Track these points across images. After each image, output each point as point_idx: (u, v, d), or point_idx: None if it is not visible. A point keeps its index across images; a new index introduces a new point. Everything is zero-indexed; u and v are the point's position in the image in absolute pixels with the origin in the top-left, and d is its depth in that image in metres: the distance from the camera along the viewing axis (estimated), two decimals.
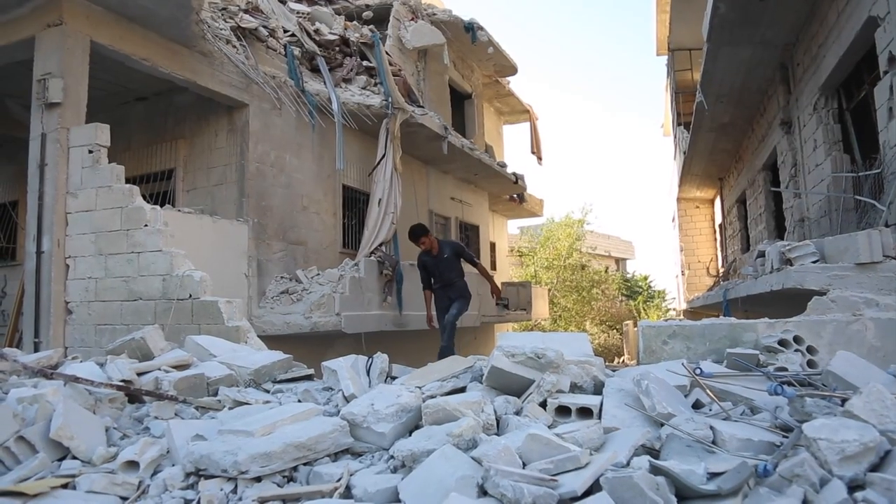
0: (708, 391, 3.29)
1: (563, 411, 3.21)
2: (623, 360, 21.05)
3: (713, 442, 2.67)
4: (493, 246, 18.06)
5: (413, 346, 11.82)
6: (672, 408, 3.04)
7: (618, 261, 39.40)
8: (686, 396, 3.52)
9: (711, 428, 2.75)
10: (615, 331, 25.37)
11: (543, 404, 3.26)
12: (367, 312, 8.99)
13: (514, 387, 3.46)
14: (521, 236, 29.82)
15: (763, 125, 11.56)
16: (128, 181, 6.79)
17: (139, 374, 4.41)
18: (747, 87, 10.80)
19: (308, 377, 4.80)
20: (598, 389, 3.61)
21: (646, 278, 33.26)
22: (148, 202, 6.67)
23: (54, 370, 4.38)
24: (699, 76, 11.20)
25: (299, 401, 4.04)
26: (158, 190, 9.14)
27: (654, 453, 2.73)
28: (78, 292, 6.48)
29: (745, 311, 9.70)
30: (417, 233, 7.91)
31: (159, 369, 4.50)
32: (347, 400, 3.58)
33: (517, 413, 3.19)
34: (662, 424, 2.96)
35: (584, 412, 3.19)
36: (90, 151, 6.48)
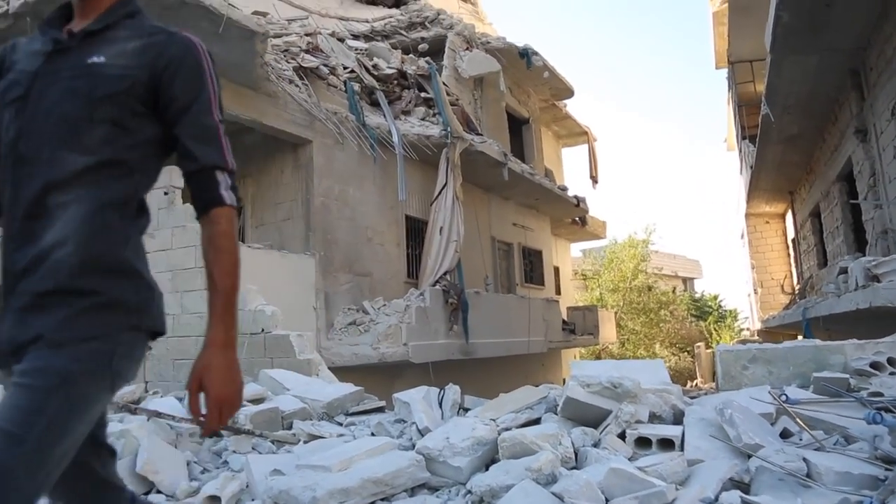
0: (797, 420, 3.13)
1: (642, 443, 3.11)
2: (696, 384, 20.34)
3: (807, 475, 2.54)
4: (556, 270, 17.88)
5: (481, 375, 11.76)
6: (759, 438, 2.90)
7: (685, 280, 38.36)
8: (772, 425, 3.37)
9: (804, 460, 2.61)
10: (686, 353, 24.60)
11: (622, 435, 3.17)
12: (433, 342, 9.00)
13: (591, 417, 3.38)
14: (584, 259, 29.40)
15: (835, 134, 11.12)
16: None
17: None
18: (816, 95, 10.43)
19: (380, 409, 4.83)
20: (677, 419, 3.49)
21: (715, 298, 32.22)
22: None
23: (137, 405, 4.54)
24: (763, 88, 10.90)
25: (373, 434, 4.06)
26: None
27: (743, 487, 2.60)
28: None
29: (827, 329, 9.26)
30: None
31: None
32: (422, 433, 3.57)
33: (595, 445, 3.11)
34: (750, 456, 2.83)
35: (665, 443, 3.09)
36: (165, 193, 6.77)
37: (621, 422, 3.18)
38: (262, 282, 7.30)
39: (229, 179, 1.55)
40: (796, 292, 15.45)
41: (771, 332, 16.80)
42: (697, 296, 34.24)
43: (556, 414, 3.54)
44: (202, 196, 1.53)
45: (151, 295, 1.53)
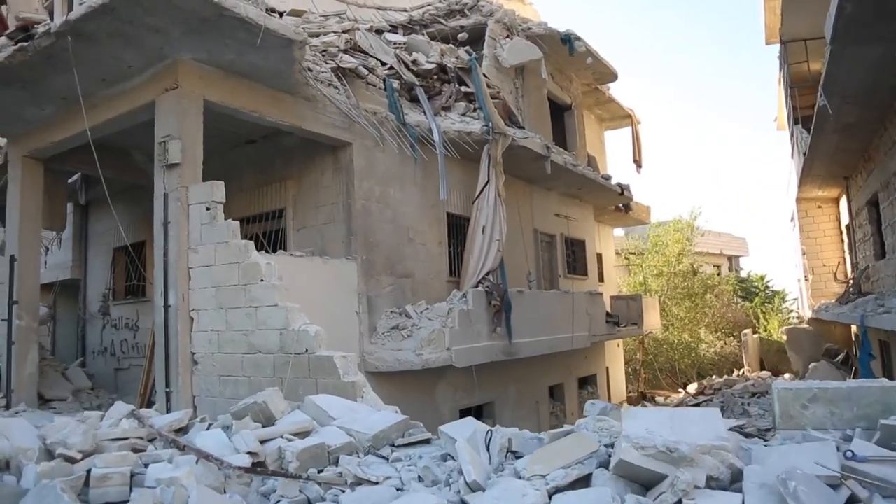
0: None
1: None
2: (743, 373, 19.95)
3: None
4: (599, 257, 17.60)
5: (524, 372, 11.70)
6: None
7: (731, 258, 37.53)
8: (836, 489, 3.20)
9: None
10: (732, 338, 24.09)
11: None
12: (476, 344, 8.94)
13: (644, 478, 3.26)
14: (627, 238, 28.90)
15: None
16: (242, 221, 7.08)
17: (262, 442, 4.54)
18: (878, 85, 9.87)
19: (426, 440, 4.79)
20: (735, 477, 3.36)
21: (762, 278, 31.42)
22: (261, 241, 6.89)
23: (186, 439, 4.58)
24: (819, 70, 10.37)
25: (419, 478, 4.01)
26: (270, 229, 9.49)
27: None
28: (202, 344, 6.78)
29: (886, 331, 8.90)
30: None
31: (281, 437, 4.63)
32: (471, 488, 3.49)
33: None
34: None
35: None
36: (208, 208, 6.77)
37: (678, 490, 3.06)
38: (306, 289, 7.33)
39: None
40: (850, 282, 14.91)
41: (823, 322, 16.31)
42: (743, 275, 33.47)
43: (607, 470, 3.43)
44: None
45: None
